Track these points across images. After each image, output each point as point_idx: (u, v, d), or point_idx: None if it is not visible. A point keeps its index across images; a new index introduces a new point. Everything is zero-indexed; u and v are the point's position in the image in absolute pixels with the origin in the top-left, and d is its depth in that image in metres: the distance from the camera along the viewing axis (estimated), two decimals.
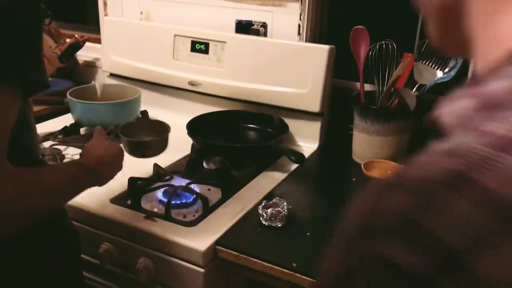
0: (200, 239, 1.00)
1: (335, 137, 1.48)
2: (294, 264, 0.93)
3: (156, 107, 1.61)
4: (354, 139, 1.37)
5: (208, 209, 1.11)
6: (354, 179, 1.28)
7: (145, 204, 1.14)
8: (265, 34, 1.49)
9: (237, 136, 1.44)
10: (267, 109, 1.47)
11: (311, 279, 0.90)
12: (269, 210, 1.04)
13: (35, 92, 0.74)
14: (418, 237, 0.29)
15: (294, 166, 1.32)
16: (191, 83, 1.55)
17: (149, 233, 1.04)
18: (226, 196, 1.17)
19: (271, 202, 1.08)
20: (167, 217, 1.08)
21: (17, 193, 0.68)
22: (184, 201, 1.14)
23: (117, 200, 1.14)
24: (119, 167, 0.98)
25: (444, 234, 0.28)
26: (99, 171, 0.91)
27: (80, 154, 1.00)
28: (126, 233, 1.07)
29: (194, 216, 1.11)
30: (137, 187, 1.19)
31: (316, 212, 1.12)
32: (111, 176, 0.96)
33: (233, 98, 1.51)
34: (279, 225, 1.04)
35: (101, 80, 1.79)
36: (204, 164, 1.34)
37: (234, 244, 0.99)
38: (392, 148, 1.30)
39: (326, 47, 1.37)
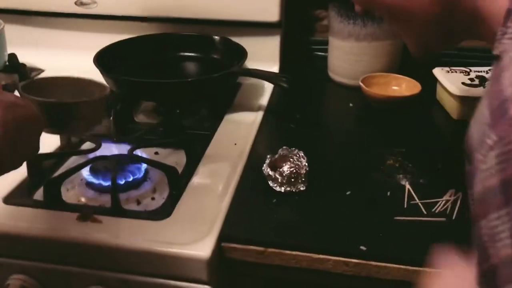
0: (190, 238, 0.59)
1: (294, 54, 1.11)
2: (363, 248, 0.57)
3: (30, 48, 1.08)
4: (332, 51, 1.02)
5: (177, 183, 0.69)
6: (351, 104, 0.93)
7: (64, 195, 0.68)
8: None
9: (169, 72, 1.00)
10: (203, 27, 1.04)
11: (407, 267, 0.56)
12: (285, 168, 0.66)
13: None
14: None
15: (262, 101, 0.94)
16: (80, 3, 1.05)
17: (97, 245, 0.60)
18: (193, 159, 0.76)
19: (278, 155, 0.69)
20: (116, 210, 0.65)
21: None
22: (130, 178, 0.71)
23: (16, 198, 0.67)
24: (30, 142, 0.52)
25: None
26: None
27: None
28: (52, 253, 0.62)
29: (153, 199, 0.69)
30: (45, 171, 0.72)
31: (338, 159, 0.76)
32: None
33: (149, 17, 1.05)
34: (302, 188, 0.67)
35: None
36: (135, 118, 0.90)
37: (250, 234, 0.60)
38: (390, 55, 0.97)
39: None
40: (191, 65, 1.02)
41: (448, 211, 0.64)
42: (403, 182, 0.70)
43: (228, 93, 0.96)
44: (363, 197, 0.66)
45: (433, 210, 0.64)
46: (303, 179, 0.66)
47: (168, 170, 0.69)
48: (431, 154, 0.77)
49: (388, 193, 0.67)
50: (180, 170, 0.73)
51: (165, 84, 0.82)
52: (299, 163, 0.67)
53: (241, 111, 0.90)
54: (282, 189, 0.66)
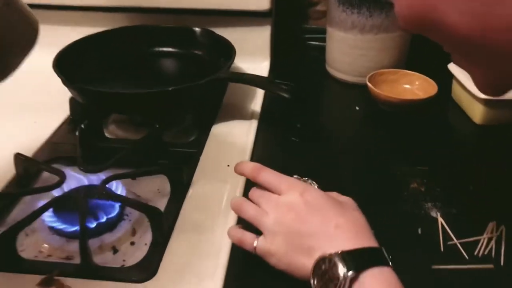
0: None
1: (285, 45, 0.98)
2: None
3: None
4: (331, 44, 0.89)
5: (162, 229, 0.56)
6: (358, 108, 0.81)
7: (21, 244, 0.55)
8: None
9: (144, 72, 0.86)
10: (181, 17, 0.90)
11: None
12: None
13: None
14: None
15: (254, 107, 0.80)
16: None
17: None
18: (178, 188, 0.63)
19: None
20: (87, 269, 0.52)
21: None
22: (103, 219, 0.58)
23: None
24: None
25: None
26: None
27: None
28: None
29: (133, 244, 0.56)
30: None
31: (353, 184, 0.64)
32: None
33: (118, 7, 0.90)
34: None
35: None
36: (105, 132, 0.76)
37: None
38: (398, 48, 0.84)
39: None
40: (170, 63, 0.88)
41: (493, 254, 0.53)
42: (433, 214, 0.58)
43: (214, 97, 0.82)
44: (391, 238, 0.55)
45: (475, 253, 0.53)
46: None
47: (150, 212, 0.55)
48: (459, 172, 0.66)
49: (419, 231, 0.56)
50: (163, 202, 0.60)
51: (142, 95, 0.68)
52: None
53: (231, 120, 0.77)
54: None
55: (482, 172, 0.66)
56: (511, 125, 0.74)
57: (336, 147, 0.71)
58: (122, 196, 0.59)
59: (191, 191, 0.62)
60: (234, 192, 0.61)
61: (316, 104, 0.83)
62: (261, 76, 0.73)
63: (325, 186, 0.58)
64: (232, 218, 0.57)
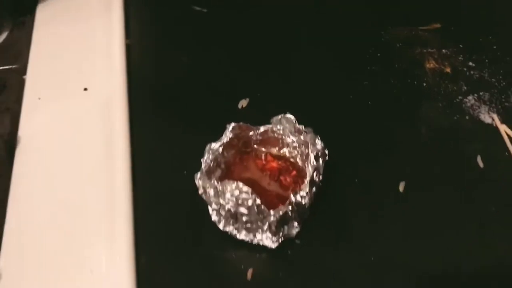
0: None
1: None
2: None
3: None
4: None
5: None
6: None
7: None
8: None
9: None
10: None
11: None
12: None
13: None
14: None
15: None
16: None
17: None
18: None
19: (230, 139, 0.26)
20: None
21: None
22: None
23: None
24: None
25: None
26: None
27: None
28: None
29: None
30: None
31: (337, 85, 0.35)
32: None
33: None
34: (295, 232, 0.26)
35: None
36: None
37: None
38: None
39: None
40: None
41: None
42: (484, 116, 0.33)
43: None
44: (444, 182, 0.29)
45: None
46: (300, 210, 0.25)
47: None
48: (485, 27, 0.39)
49: (479, 160, 0.30)
50: None
51: None
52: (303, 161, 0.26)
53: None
54: (275, 241, 0.25)
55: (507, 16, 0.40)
56: None
57: (279, 17, 0.39)
58: None
59: (19, 164, 0.30)
60: (114, 152, 0.30)
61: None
62: None
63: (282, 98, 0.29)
64: (124, 230, 0.27)
